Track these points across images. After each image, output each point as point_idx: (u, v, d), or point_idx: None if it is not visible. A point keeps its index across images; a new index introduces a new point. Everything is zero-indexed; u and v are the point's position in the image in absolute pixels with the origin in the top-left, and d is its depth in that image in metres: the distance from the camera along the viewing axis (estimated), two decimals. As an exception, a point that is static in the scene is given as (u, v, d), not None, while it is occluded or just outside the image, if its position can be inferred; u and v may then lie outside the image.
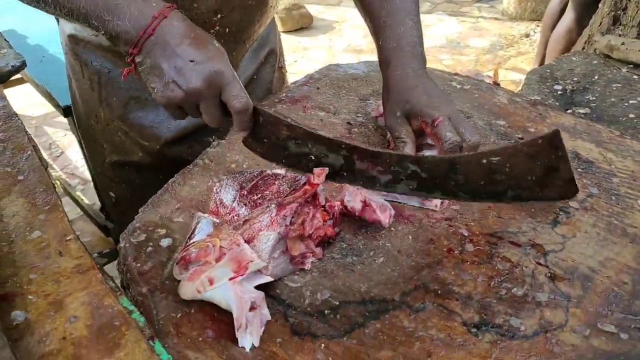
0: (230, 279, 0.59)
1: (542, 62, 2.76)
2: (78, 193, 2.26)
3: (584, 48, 1.77)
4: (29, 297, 0.60)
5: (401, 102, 0.83)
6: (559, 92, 1.45)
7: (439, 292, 0.65)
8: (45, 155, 2.74)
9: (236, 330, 0.58)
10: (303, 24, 4.46)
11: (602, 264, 0.68)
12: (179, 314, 0.62)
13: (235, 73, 0.73)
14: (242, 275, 0.59)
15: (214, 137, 1.11)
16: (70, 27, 1.04)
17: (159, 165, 1.12)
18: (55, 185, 0.80)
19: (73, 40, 1.05)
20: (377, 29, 0.91)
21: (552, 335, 0.59)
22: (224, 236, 0.63)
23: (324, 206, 0.72)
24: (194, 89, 0.70)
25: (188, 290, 0.62)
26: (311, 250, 0.69)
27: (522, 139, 0.92)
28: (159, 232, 0.74)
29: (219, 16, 0.91)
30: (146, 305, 0.64)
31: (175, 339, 0.60)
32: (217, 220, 0.67)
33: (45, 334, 0.56)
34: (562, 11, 2.59)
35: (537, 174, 0.61)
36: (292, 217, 0.66)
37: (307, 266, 0.68)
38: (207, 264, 0.61)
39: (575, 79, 1.50)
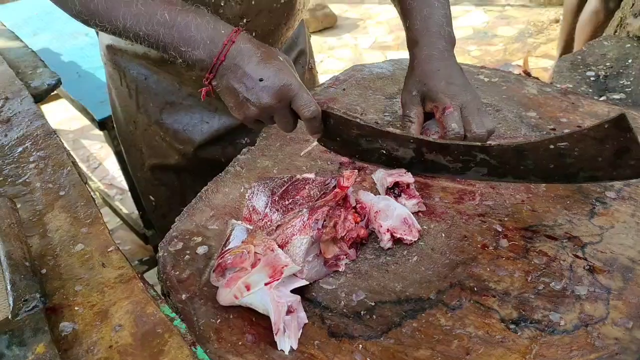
0: (266, 284, 0.60)
1: (564, 51, 2.70)
2: (117, 203, 2.32)
3: (615, 32, 1.72)
4: (76, 308, 0.63)
5: (419, 83, 0.84)
6: (592, 79, 1.42)
7: (475, 289, 0.65)
8: (83, 167, 2.83)
9: (274, 334, 0.59)
10: (327, 24, 4.47)
11: (643, 254, 0.67)
12: (219, 320, 0.64)
13: (301, 81, 0.77)
14: (277, 279, 0.60)
15: (246, 139, 1.13)
16: (108, 38, 1.09)
17: (194, 168, 1.16)
18: (95, 197, 0.83)
19: (111, 50, 1.09)
20: (405, 12, 0.92)
21: (593, 329, 0.58)
22: (258, 242, 0.64)
23: (355, 208, 0.72)
24: (266, 105, 0.75)
25: (226, 296, 0.63)
26: (344, 252, 0.69)
27: (554, 129, 0.91)
28: (195, 240, 0.75)
29: (244, 21, 0.93)
30: (186, 312, 0.65)
31: (216, 344, 0.61)
32: (251, 227, 0.68)
33: (92, 344, 0.58)
34: None
35: (608, 156, 0.61)
36: (324, 221, 0.67)
37: (341, 268, 0.69)
38: (243, 270, 0.62)
39: (608, 64, 1.46)
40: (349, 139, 0.80)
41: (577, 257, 0.67)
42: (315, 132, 0.80)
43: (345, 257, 0.70)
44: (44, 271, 0.68)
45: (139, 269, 2.10)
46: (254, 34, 0.97)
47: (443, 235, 0.73)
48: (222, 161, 1.13)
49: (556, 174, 0.68)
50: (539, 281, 0.65)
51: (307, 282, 0.65)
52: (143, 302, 0.63)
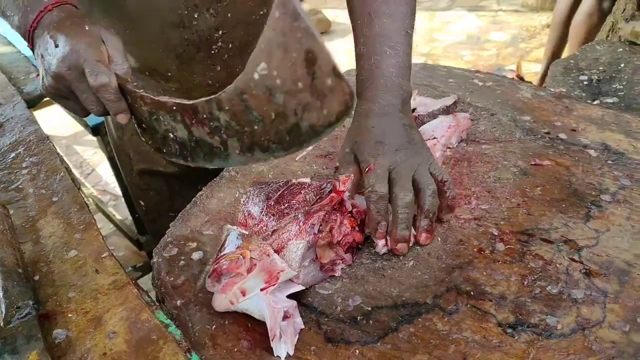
0: (262, 289, 0.60)
1: (553, 56, 2.72)
2: (110, 209, 2.31)
3: (607, 36, 1.74)
4: (69, 315, 0.62)
5: (352, 140, 0.77)
6: (585, 83, 1.43)
7: (472, 293, 0.65)
8: (76, 173, 2.82)
9: (271, 340, 0.59)
10: (321, 29, 4.48)
11: (639, 257, 0.67)
12: (214, 326, 0.63)
13: (96, 50, 0.69)
14: (273, 285, 0.60)
15: None
16: None
17: (182, 174, 1.15)
18: (88, 203, 0.82)
19: None
20: (356, 57, 0.83)
21: (590, 332, 0.58)
22: (254, 247, 0.63)
23: (351, 212, 0.72)
24: (57, 73, 0.68)
25: (221, 302, 0.63)
26: (340, 257, 0.69)
27: (548, 133, 0.91)
28: (190, 246, 0.75)
29: (220, 32, 0.92)
30: (181, 318, 0.65)
31: (211, 350, 0.60)
32: (246, 232, 0.68)
33: (86, 351, 0.58)
34: (573, 5, 2.57)
35: (303, 77, 0.50)
36: (320, 225, 0.67)
37: (337, 273, 0.69)
38: (238, 276, 0.62)
39: (600, 68, 1.47)
40: (149, 123, 0.71)
41: (573, 260, 0.67)
42: (116, 111, 0.70)
43: (341, 262, 0.69)
44: (37, 278, 0.67)
45: (133, 275, 2.08)
46: (230, 45, 0.94)
47: (439, 239, 0.73)
48: (209, 169, 1.12)
49: (285, 132, 0.56)
50: (536, 285, 0.65)
51: (303, 287, 0.65)
52: (137, 309, 0.62)
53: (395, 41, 0.79)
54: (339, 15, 4.83)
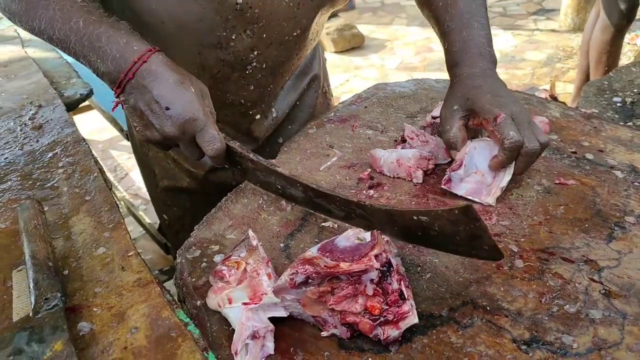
0: (244, 303, 0.62)
1: (583, 75, 2.71)
2: (140, 213, 2.36)
3: (644, 58, 1.71)
4: (94, 309, 0.65)
5: (462, 98, 0.83)
6: (619, 105, 1.41)
7: (488, 308, 0.64)
8: (110, 177, 2.90)
9: (233, 354, 0.60)
10: (355, 44, 4.52)
11: (662, 280, 0.66)
12: (231, 327, 0.65)
13: (210, 116, 0.76)
14: (255, 304, 0.61)
15: None
16: None
17: (206, 190, 1.18)
18: (119, 205, 0.85)
19: None
20: (443, 34, 0.92)
21: (606, 353, 0.57)
22: (251, 261, 0.65)
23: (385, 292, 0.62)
24: (169, 135, 0.75)
25: (212, 301, 0.65)
26: (332, 324, 0.63)
27: (575, 152, 0.90)
28: (213, 249, 0.77)
29: (255, 53, 0.94)
30: (200, 318, 0.67)
31: (227, 350, 0.62)
32: (255, 243, 0.68)
33: (108, 344, 0.60)
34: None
35: (464, 237, 0.62)
36: (310, 279, 0.61)
37: (324, 332, 0.63)
38: (228, 283, 0.64)
39: (635, 90, 1.45)
40: (249, 170, 0.83)
41: (593, 280, 0.67)
42: (218, 165, 0.82)
43: (333, 328, 0.63)
44: (66, 272, 0.70)
45: (160, 278, 2.12)
46: (264, 65, 0.97)
47: (458, 253, 0.73)
48: (232, 185, 1.14)
49: (425, 241, 0.69)
50: (553, 303, 0.64)
51: (286, 315, 0.63)
52: (159, 306, 0.64)
53: (480, 16, 0.90)
54: (373, 31, 4.86)
